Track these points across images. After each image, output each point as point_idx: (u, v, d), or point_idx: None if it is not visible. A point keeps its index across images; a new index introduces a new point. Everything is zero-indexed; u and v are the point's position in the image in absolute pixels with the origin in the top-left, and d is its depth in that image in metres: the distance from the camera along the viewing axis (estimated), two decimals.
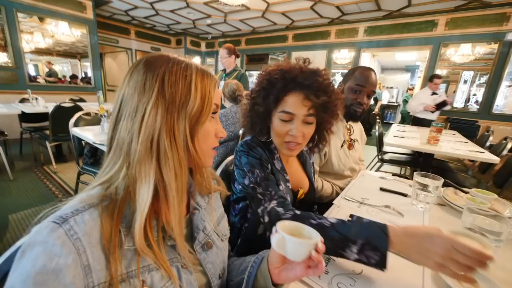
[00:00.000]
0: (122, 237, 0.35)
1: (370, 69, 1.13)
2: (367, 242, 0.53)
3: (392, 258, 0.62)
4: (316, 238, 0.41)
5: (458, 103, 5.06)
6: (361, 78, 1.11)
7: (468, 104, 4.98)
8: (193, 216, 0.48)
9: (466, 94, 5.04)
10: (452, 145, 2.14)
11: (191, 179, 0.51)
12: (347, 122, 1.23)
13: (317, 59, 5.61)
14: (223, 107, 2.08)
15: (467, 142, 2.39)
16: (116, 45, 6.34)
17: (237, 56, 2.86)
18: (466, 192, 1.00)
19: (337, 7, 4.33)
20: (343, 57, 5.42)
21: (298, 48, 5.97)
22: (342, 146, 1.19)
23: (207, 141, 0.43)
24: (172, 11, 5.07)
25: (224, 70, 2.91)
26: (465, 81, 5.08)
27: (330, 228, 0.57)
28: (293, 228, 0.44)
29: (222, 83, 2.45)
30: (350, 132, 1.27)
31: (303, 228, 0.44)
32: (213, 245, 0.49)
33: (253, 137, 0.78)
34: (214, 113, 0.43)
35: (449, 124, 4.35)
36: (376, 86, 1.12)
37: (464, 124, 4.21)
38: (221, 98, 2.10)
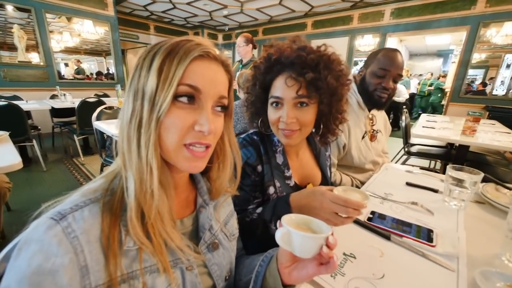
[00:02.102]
0: (122, 236, 0.33)
1: (395, 50, 1.01)
2: (276, 216, 0.60)
3: (421, 263, 0.55)
4: (327, 231, 0.37)
5: (499, 90, 4.56)
6: (385, 60, 0.99)
7: (511, 91, 4.47)
8: (200, 214, 0.45)
9: (509, 80, 4.51)
10: (491, 136, 1.92)
11: (199, 175, 0.48)
12: (369, 111, 1.12)
13: (338, 46, 5.32)
14: (238, 98, 2.04)
15: (509, 133, 2.13)
16: (137, 41, 6.53)
17: (254, 47, 2.80)
18: (510, 189, 0.87)
19: None
20: (367, 43, 5.09)
21: (318, 35, 5.71)
22: (363, 137, 1.10)
23: (176, 133, 0.35)
24: (188, 3, 5.07)
25: (241, 61, 2.86)
26: (508, 66, 4.53)
27: (259, 219, 0.63)
28: (300, 222, 0.40)
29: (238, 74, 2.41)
30: (372, 122, 1.16)
31: (311, 221, 0.40)
32: (220, 246, 0.46)
33: (252, 133, 0.73)
34: (188, 96, 0.35)
35: (488, 113, 3.93)
36: (403, 68, 1.00)
37: (506, 113, 3.78)
38: (236, 89, 2.05)
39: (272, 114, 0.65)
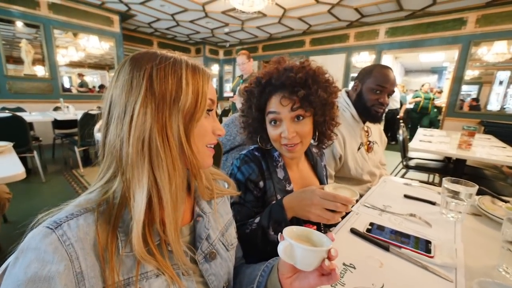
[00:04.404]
0: (120, 243, 0.34)
1: (388, 67, 1.08)
2: (273, 221, 0.62)
3: (419, 273, 0.56)
4: (328, 244, 0.37)
5: (493, 105, 4.67)
6: (381, 77, 1.05)
7: (504, 106, 4.57)
8: (197, 223, 0.45)
9: (502, 95, 4.63)
10: (488, 150, 1.95)
11: (196, 185, 0.49)
12: (364, 123, 1.16)
13: (335, 63, 5.50)
14: (237, 111, 2.09)
15: (505, 147, 2.17)
16: None
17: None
18: (505, 201, 0.89)
19: (356, 9, 4.23)
20: (363, 60, 5.25)
21: (315, 52, 5.89)
22: (359, 149, 1.13)
23: (203, 139, 0.41)
24: (191, 21, 5.28)
25: (241, 76, 2.95)
26: (501, 82, 4.67)
27: (258, 228, 0.64)
28: (301, 234, 0.41)
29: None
30: (368, 134, 1.20)
31: (312, 234, 0.41)
32: (217, 256, 0.47)
33: (253, 149, 0.76)
34: (209, 110, 0.42)
35: (483, 128, 4.00)
36: (395, 84, 1.07)
37: (501, 128, 3.85)
38: (236, 102, 2.11)
39: (273, 131, 0.68)
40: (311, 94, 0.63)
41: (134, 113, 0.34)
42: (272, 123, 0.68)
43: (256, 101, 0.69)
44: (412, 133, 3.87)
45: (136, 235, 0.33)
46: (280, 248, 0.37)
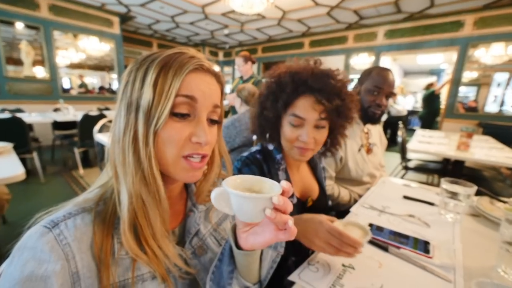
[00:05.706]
0: (115, 244, 0.34)
1: (387, 69, 1.09)
2: None
3: (418, 273, 0.56)
4: (277, 190, 0.31)
5: (491, 107, 4.69)
6: (378, 79, 1.06)
7: (502, 108, 4.61)
8: (187, 218, 0.45)
9: (500, 97, 4.67)
10: (486, 152, 1.96)
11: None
12: (364, 125, 1.17)
13: (334, 64, 5.51)
14: (235, 112, 2.08)
15: (503, 148, 2.18)
16: None
17: (253, 63, 2.90)
18: (504, 202, 0.89)
19: (355, 11, 4.26)
20: (362, 62, 5.27)
21: (315, 54, 5.92)
22: (359, 150, 1.14)
23: (174, 147, 0.35)
24: (191, 23, 5.30)
25: (241, 77, 2.96)
26: (499, 84, 4.70)
27: None
28: (254, 184, 0.35)
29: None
30: (368, 136, 1.20)
31: (264, 182, 0.35)
32: (208, 250, 0.45)
33: (254, 152, 0.75)
34: (182, 115, 0.35)
35: (482, 129, 4.01)
36: (394, 86, 1.07)
37: (499, 129, 3.87)
38: (239, 103, 2.10)
39: (290, 132, 0.66)
40: (343, 105, 0.63)
41: (116, 115, 0.36)
42: (293, 123, 0.65)
43: (286, 97, 0.64)
44: None
45: (123, 231, 0.33)
46: (212, 195, 0.33)
